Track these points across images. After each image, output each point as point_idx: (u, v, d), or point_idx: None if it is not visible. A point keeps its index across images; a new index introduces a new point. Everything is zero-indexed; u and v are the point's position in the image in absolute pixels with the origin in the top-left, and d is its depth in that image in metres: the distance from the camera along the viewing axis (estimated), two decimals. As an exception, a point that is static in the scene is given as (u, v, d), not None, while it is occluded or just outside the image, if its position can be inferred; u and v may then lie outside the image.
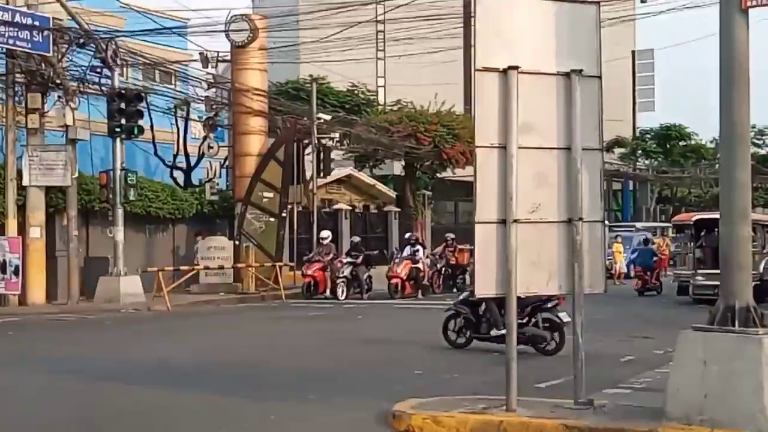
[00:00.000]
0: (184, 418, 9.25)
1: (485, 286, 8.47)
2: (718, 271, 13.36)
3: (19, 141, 23.13)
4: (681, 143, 62.93)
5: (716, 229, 19.61)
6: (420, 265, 27.17)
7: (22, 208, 22.88)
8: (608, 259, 29.82)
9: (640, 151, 64.98)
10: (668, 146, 62.78)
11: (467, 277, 26.28)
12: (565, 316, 13.11)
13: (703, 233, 23.67)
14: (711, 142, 61.27)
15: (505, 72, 8.17)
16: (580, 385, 8.46)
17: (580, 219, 8.37)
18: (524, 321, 13.21)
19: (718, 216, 10.67)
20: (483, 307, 14.74)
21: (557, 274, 8.55)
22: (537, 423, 8.05)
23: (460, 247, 29.21)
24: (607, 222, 25.07)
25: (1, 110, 23.76)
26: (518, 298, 9.70)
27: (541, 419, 8.11)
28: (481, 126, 8.33)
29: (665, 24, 50.75)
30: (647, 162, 65.37)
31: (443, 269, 28.96)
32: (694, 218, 25.18)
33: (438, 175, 40.96)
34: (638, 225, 43.34)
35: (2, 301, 22.75)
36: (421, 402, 9.15)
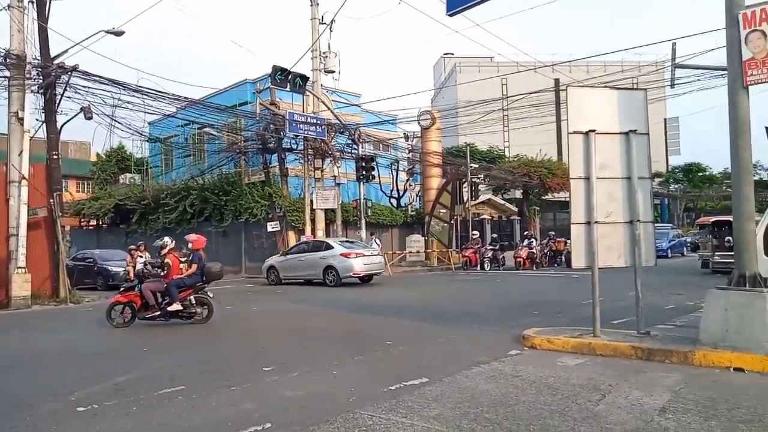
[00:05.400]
0: (396, 334, 10.11)
1: (578, 262, 8.74)
2: (729, 253, 15.88)
3: (311, 185, 27.39)
4: (699, 174, 66.10)
5: (725, 227, 22.14)
6: (534, 250, 28.95)
7: (312, 222, 26.61)
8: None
9: (671, 180, 70.77)
10: (690, 176, 66.25)
11: (563, 258, 28.91)
12: (210, 294, 12.85)
13: (717, 230, 23.99)
14: (719, 173, 65.03)
15: (586, 134, 8.49)
16: (641, 322, 8.68)
17: (638, 220, 8.63)
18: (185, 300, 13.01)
19: (729, 219, 13.41)
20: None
21: (624, 254, 8.68)
22: (614, 344, 8.25)
23: (558, 239, 30.52)
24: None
25: (302, 169, 28.09)
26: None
27: (616, 342, 8.30)
28: (573, 166, 8.63)
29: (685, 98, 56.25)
30: (676, 186, 71.30)
31: (548, 253, 30.25)
32: (712, 220, 25.54)
33: (543, 197, 42.90)
34: (671, 225, 45.57)
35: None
36: (539, 330, 9.52)
